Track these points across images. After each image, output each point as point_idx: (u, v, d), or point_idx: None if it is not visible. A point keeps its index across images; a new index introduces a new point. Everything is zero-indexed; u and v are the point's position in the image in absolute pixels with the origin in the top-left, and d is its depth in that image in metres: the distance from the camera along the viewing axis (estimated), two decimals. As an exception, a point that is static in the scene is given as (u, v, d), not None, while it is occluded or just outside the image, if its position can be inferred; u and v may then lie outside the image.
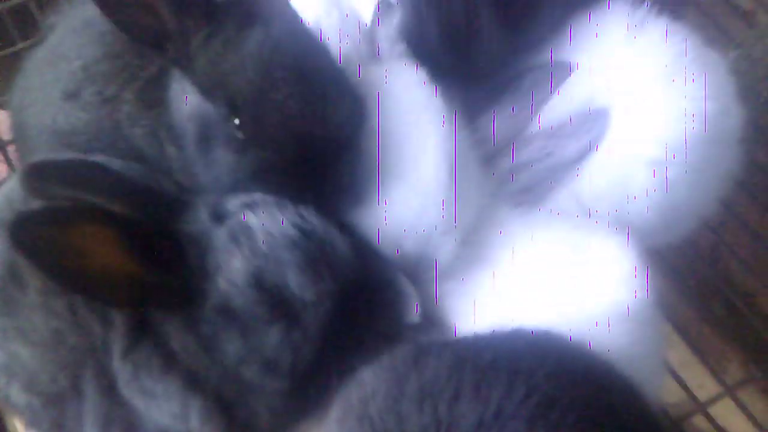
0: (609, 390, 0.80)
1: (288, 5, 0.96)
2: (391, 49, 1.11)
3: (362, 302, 0.92)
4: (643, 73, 1.09)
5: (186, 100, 0.94)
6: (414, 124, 1.00)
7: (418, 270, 1.00)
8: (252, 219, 0.88)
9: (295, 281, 0.86)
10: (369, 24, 1.15)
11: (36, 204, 0.88)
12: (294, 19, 0.95)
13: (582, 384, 0.78)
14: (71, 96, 1.06)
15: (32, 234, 0.78)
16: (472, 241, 1.04)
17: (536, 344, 0.83)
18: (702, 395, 1.23)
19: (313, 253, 0.88)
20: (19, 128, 1.17)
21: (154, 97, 1.01)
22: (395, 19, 1.13)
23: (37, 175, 0.88)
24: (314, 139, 0.90)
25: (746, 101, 1.16)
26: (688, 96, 1.08)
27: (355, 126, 0.94)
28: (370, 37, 1.14)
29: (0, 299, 0.94)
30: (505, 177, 1.09)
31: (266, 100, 0.89)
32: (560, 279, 1.03)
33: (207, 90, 0.91)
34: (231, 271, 0.85)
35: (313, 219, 0.90)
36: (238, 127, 0.90)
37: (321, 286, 0.87)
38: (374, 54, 1.12)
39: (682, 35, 1.12)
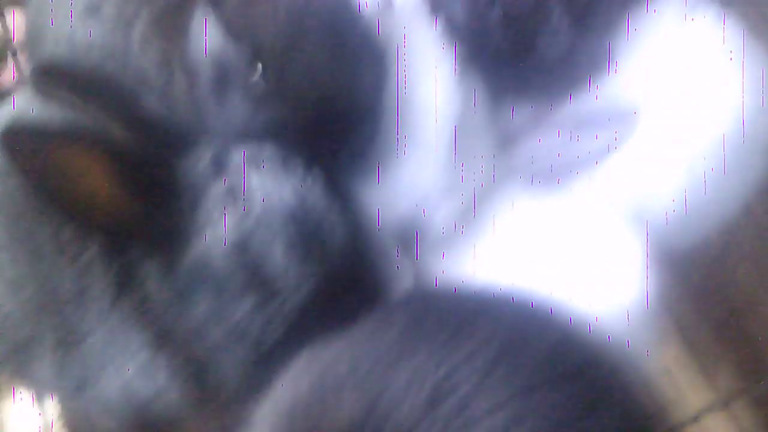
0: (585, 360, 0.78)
1: None
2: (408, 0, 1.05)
3: (350, 282, 0.88)
4: (682, 69, 1.04)
5: (208, 34, 0.90)
6: (423, 82, 0.96)
7: (414, 236, 0.98)
8: (254, 177, 0.84)
9: (283, 256, 0.82)
10: None
11: (36, 111, 0.85)
12: None
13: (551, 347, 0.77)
14: (93, 10, 1.02)
15: (22, 145, 0.76)
16: (475, 210, 1.02)
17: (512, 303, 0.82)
18: (693, 400, 1.22)
19: (307, 231, 0.83)
20: (34, 31, 1.12)
21: (172, 23, 0.96)
22: None
23: (49, 75, 0.85)
24: (339, 98, 0.87)
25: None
26: (728, 95, 1.03)
27: (379, 92, 0.91)
28: None
29: None
30: (522, 157, 1.06)
31: (294, 53, 0.85)
32: (564, 261, 1.01)
33: (234, 30, 0.87)
34: (219, 228, 0.82)
35: (318, 190, 0.86)
36: (261, 74, 0.86)
37: (309, 266, 0.84)
38: (391, 3, 1.05)
39: (727, 28, 1.07)
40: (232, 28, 0.87)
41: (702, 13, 1.08)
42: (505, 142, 1.06)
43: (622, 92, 1.06)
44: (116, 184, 0.80)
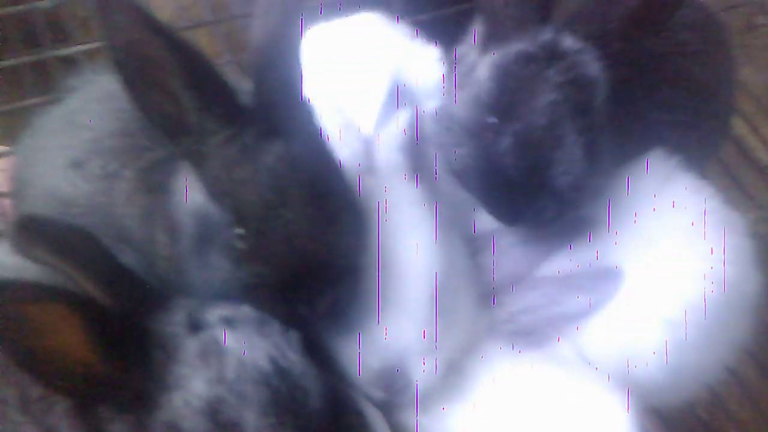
0: None
1: (313, 120, 0.93)
2: (389, 161, 1.08)
3: None
4: (664, 232, 1.07)
5: (190, 195, 0.91)
6: (403, 242, 0.97)
7: (393, 393, 0.96)
8: (228, 339, 0.82)
9: (254, 423, 0.79)
10: (370, 133, 1.13)
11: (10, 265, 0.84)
12: (316, 136, 0.93)
13: None
14: (77, 165, 1.04)
15: None
16: (456, 369, 1.00)
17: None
18: None
19: (282, 396, 0.81)
20: (20, 184, 1.15)
21: (154, 181, 0.98)
22: (396, 129, 1.10)
23: (27, 231, 0.83)
24: (318, 263, 0.87)
25: (765, 265, 1.14)
26: (707, 258, 1.06)
27: (359, 253, 0.91)
28: (369, 146, 1.11)
29: None
30: (504, 315, 1.05)
31: (275, 216, 0.85)
32: (548, 425, 0.99)
33: (215, 192, 0.88)
34: (190, 390, 0.80)
35: (292, 354, 0.84)
36: (241, 237, 0.86)
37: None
38: (372, 165, 1.09)
39: (705, 194, 1.11)
40: (214, 188, 0.88)
41: (682, 178, 1.12)
42: (486, 299, 1.05)
43: (606, 251, 1.07)
44: (88, 341, 0.78)
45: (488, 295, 1.06)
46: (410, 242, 0.97)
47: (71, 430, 0.84)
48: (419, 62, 1.26)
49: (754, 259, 1.12)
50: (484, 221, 1.12)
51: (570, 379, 1.04)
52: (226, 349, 0.82)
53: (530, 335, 1.05)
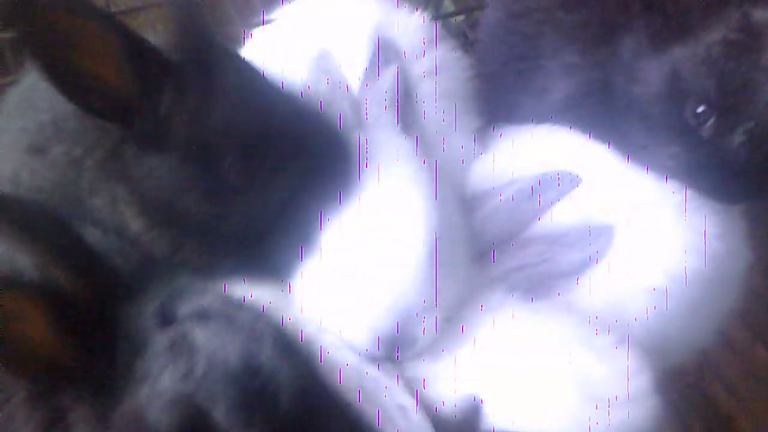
0: None
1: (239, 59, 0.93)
2: (378, 117, 1.04)
3: None
4: (656, 201, 1.04)
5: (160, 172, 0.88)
6: (397, 199, 0.93)
7: (396, 350, 0.92)
8: (198, 335, 0.78)
9: (224, 419, 0.75)
10: (357, 91, 1.08)
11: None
12: (245, 64, 0.93)
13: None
14: (38, 151, 0.97)
15: None
16: (455, 319, 0.96)
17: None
18: None
19: (252, 394, 0.77)
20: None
21: (114, 169, 0.92)
22: (383, 85, 1.06)
23: None
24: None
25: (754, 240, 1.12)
26: (696, 231, 1.03)
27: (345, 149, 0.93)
28: (358, 104, 1.06)
29: None
30: (497, 274, 1.02)
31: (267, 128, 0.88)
32: (547, 372, 0.95)
33: (190, 149, 0.86)
34: (158, 385, 0.76)
35: (264, 349, 0.80)
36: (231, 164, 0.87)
37: (253, 428, 0.77)
38: (361, 121, 1.04)
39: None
40: (188, 148, 0.86)
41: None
42: (479, 259, 1.02)
43: (597, 210, 1.05)
44: (53, 330, 0.75)
45: (481, 254, 1.02)
46: (408, 198, 0.93)
47: (28, 419, 0.81)
48: (403, 23, 1.20)
49: (745, 235, 1.10)
50: (474, 181, 1.09)
51: (567, 326, 0.99)
52: (196, 346, 0.78)
53: (524, 293, 1.01)
